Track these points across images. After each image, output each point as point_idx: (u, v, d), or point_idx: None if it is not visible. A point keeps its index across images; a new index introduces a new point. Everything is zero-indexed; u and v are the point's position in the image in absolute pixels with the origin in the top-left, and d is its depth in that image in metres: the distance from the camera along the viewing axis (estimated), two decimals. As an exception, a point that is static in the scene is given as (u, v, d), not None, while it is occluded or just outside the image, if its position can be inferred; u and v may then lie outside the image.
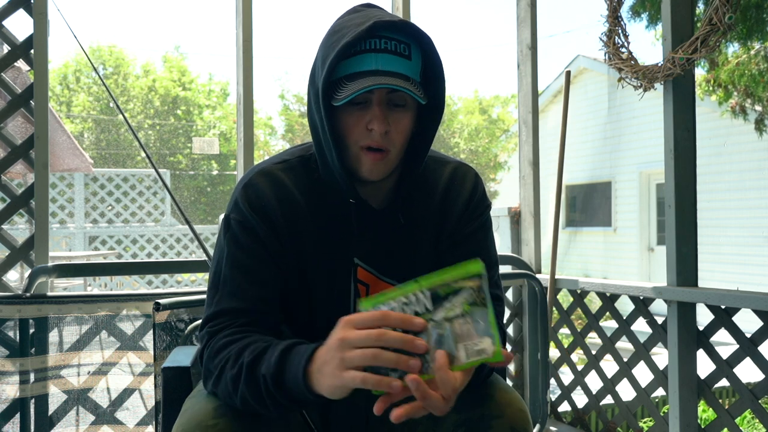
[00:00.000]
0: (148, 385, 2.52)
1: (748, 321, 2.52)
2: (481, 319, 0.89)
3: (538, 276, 3.10)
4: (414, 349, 0.87)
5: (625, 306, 2.80)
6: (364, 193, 1.20)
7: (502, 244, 3.82)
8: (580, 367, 3.08)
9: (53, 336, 2.40)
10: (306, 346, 0.99)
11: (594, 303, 3.89)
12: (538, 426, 2.93)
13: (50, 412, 2.37)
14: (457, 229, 1.24)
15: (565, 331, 3.89)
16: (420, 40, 1.13)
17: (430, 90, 1.16)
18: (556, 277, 3.15)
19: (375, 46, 1.09)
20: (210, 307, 1.16)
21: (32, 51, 2.46)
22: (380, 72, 1.08)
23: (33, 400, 2.33)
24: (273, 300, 1.16)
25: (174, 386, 1.33)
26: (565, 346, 3.20)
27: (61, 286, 6.38)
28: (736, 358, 2.39)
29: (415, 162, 1.21)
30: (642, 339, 2.77)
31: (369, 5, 1.20)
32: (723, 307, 2.41)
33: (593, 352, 3.00)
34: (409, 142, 1.19)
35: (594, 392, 3.03)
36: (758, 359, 2.33)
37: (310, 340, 1.22)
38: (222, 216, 1.28)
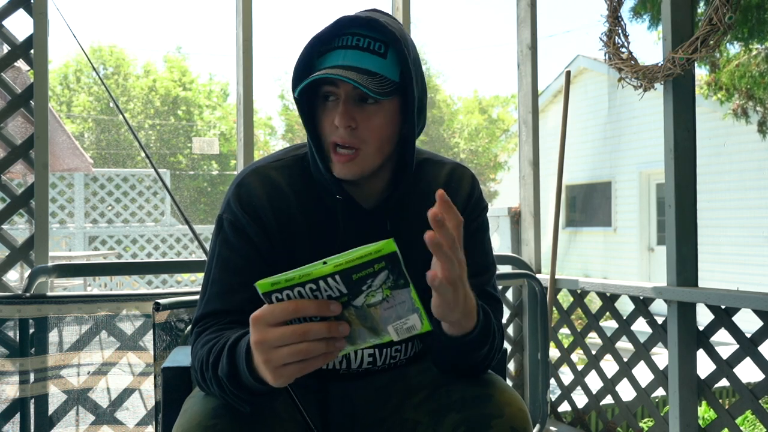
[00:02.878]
0: (148, 385, 2.52)
1: (748, 321, 2.52)
2: (405, 299, 0.86)
3: (538, 276, 3.10)
4: (339, 335, 0.85)
5: (625, 306, 2.80)
6: (355, 193, 1.20)
7: (502, 244, 3.83)
8: (580, 367, 3.08)
9: (53, 336, 2.40)
10: (244, 341, 0.96)
11: (594, 303, 3.89)
12: (538, 426, 2.93)
13: (50, 412, 2.37)
14: None
15: (565, 331, 3.89)
16: (395, 39, 1.12)
17: (413, 91, 1.15)
18: (556, 277, 3.15)
19: (345, 43, 1.11)
20: (199, 308, 1.17)
21: (32, 51, 2.46)
22: (342, 66, 1.08)
23: (33, 400, 2.33)
24: (261, 300, 1.16)
25: (174, 386, 1.33)
26: (565, 346, 3.20)
27: (61, 286, 6.38)
28: (736, 358, 2.39)
29: (405, 165, 1.20)
30: (642, 339, 2.76)
31: (374, 10, 1.20)
32: (723, 307, 2.41)
33: (593, 352, 3.00)
34: (402, 144, 1.19)
35: (594, 392, 3.03)
36: (758, 359, 2.33)
37: None
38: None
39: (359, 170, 1.14)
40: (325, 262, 0.83)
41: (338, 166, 1.13)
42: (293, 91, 1.13)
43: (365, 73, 1.08)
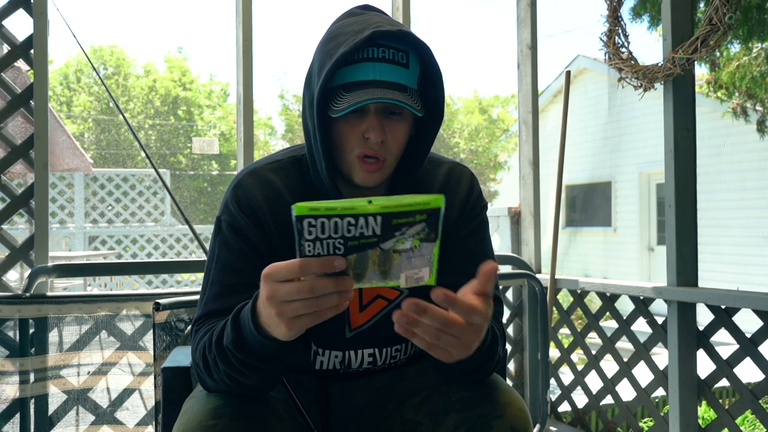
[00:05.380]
0: (148, 385, 2.52)
1: (748, 321, 2.52)
2: (427, 252, 0.88)
3: (538, 276, 3.10)
4: (345, 288, 0.86)
5: (625, 306, 2.80)
6: (355, 197, 1.20)
7: (502, 244, 3.82)
8: (580, 367, 3.08)
9: (53, 336, 2.40)
10: (247, 307, 0.98)
11: (594, 303, 3.90)
12: (538, 426, 2.93)
13: (50, 412, 2.37)
14: (454, 231, 1.23)
15: (565, 331, 3.89)
16: (418, 48, 1.13)
17: (428, 96, 1.16)
18: (556, 277, 3.15)
19: (373, 54, 1.09)
20: (198, 308, 1.17)
21: (32, 51, 2.46)
22: (377, 82, 1.08)
23: (33, 400, 2.33)
24: None
25: (174, 386, 1.33)
26: (565, 346, 3.20)
27: (61, 286, 6.38)
28: (736, 358, 2.39)
29: (411, 167, 1.21)
30: (642, 339, 2.76)
31: (367, 7, 1.20)
32: (723, 307, 2.41)
33: (593, 352, 3.00)
34: (406, 146, 1.19)
35: (594, 392, 3.03)
36: (758, 359, 2.33)
37: (302, 339, 1.22)
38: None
39: (381, 177, 1.16)
40: (370, 201, 0.83)
41: (365, 174, 1.14)
42: (316, 103, 1.10)
43: (398, 88, 1.09)
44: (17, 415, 2.31)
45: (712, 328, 2.47)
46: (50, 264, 2.41)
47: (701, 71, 5.74)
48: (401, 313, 0.85)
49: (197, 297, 1.25)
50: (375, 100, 1.06)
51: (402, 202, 0.83)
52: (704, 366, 2.53)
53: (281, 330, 0.90)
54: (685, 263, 2.51)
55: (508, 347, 3.22)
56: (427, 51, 1.13)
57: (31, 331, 2.33)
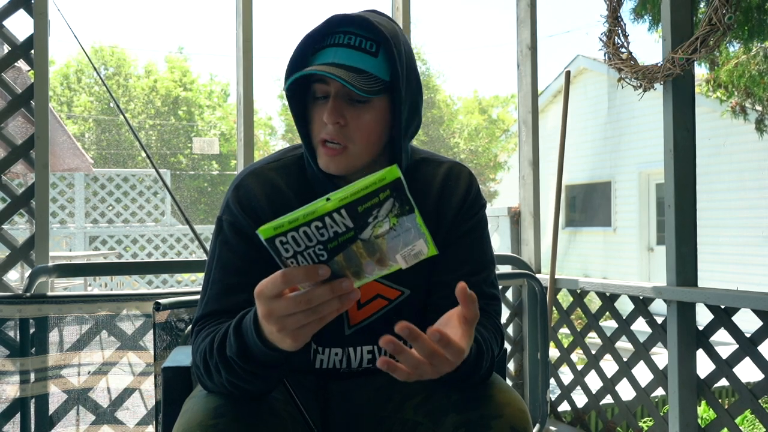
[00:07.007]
0: (148, 385, 2.52)
1: (747, 321, 2.53)
2: (411, 225, 0.83)
3: (538, 276, 3.10)
4: (344, 292, 0.83)
5: (624, 306, 2.80)
6: None
7: (502, 244, 3.83)
8: (579, 367, 3.08)
9: (53, 336, 2.40)
10: (249, 317, 0.97)
11: (594, 303, 3.90)
12: (538, 426, 2.93)
13: (50, 412, 2.37)
14: (453, 229, 1.23)
15: (565, 331, 3.89)
16: (390, 40, 1.13)
17: (402, 90, 1.16)
18: (556, 277, 3.15)
19: (337, 41, 1.12)
20: (199, 308, 1.17)
21: (32, 51, 2.47)
22: (334, 65, 1.09)
23: (33, 400, 2.33)
24: None
25: (174, 386, 1.33)
26: (565, 346, 3.20)
27: (61, 286, 6.38)
28: (735, 358, 2.39)
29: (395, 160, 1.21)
30: (642, 339, 2.77)
31: (371, 11, 1.21)
32: (723, 306, 2.41)
33: (593, 352, 3.00)
34: (392, 143, 1.19)
35: (594, 392, 3.03)
36: (758, 359, 2.33)
37: None
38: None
39: (344, 166, 1.15)
40: (328, 198, 0.80)
41: (325, 159, 1.15)
42: (284, 87, 1.15)
43: (354, 71, 1.09)
44: (18, 415, 2.31)
45: (711, 327, 2.48)
46: (51, 264, 2.42)
47: (700, 71, 5.74)
48: (388, 339, 0.84)
49: (197, 297, 1.25)
50: (309, 71, 1.07)
51: (357, 187, 0.80)
52: (704, 366, 2.53)
53: (287, 343, 0.90)
54: (684, 263, 2.51)
55: (508, 347, 3.22)
56: (389, 41, 1.12)
57: (32, 330, 2.33)
